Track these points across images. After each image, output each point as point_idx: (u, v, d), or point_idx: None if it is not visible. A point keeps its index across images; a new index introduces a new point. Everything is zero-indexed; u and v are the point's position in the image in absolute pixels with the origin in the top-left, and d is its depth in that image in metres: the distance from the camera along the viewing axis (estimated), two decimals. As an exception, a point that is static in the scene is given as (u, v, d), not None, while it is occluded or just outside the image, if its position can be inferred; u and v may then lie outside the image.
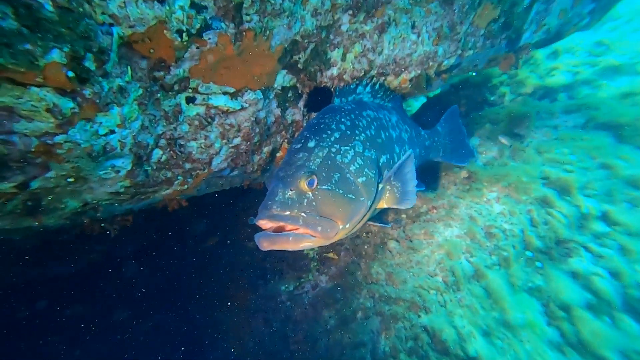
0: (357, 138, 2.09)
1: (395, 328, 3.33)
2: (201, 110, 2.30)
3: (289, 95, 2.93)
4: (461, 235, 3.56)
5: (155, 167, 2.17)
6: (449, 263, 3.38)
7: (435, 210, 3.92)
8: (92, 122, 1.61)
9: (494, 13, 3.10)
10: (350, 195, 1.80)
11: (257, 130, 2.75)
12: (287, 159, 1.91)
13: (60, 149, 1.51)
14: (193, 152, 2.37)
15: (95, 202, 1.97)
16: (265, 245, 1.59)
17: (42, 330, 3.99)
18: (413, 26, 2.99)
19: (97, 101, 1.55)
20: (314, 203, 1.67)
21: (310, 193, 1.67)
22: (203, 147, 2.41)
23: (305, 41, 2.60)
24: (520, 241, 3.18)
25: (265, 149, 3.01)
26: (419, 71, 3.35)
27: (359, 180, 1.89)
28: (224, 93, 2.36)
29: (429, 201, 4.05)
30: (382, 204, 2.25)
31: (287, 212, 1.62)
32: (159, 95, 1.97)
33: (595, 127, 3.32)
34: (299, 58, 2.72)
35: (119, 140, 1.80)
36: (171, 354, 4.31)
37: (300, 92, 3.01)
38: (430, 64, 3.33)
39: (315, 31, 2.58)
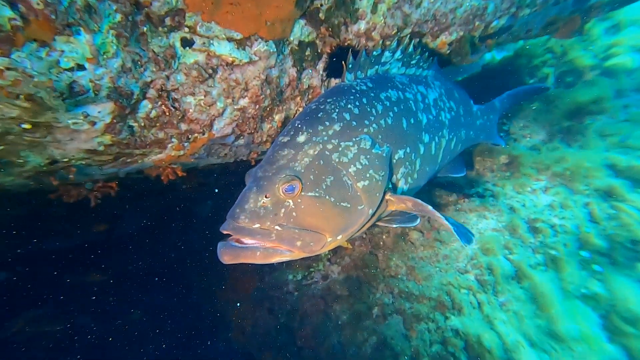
0: (365, 130, 1.64)
1: (418, 329, 2.92)
2: (201, 57, 1.88)
3: (306, 53, 2.47)
4: (499, 228, 3.06)
5: (143, 124, 1.79)
6: (483, 259, 2.91)
7: (466, 200, 3.43)
8: (48, 48, 1.22)
9: (563, -42, 2.52)
10: (344, 204, 1.44)
11: (268, 91, 2.32)
12: (269, 154, 1.54)
13: (2, 79, 1.13)
14: (190, 110, 1.97)
15: (66, 160, 1.60)
16: (226, 259, 1.33)
17: (28, 304, 3.78)
18: (461, -28, 2.46)
19: (53, 17, 1.15)
20: (294, 213, 1.37)
21: (290, 201, 1.38)
22: (202, 105, 2.01)
23: (330, -19, 2.13)
24: (573, 239, 2.66)
25: (277, 117, 2.58)
26: (462, 32, 2.81)
27: (360, 184, 1.50)
28: (229, 39, 1.93)
29: (459, 189, 3.56)
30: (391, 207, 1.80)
31: (257, 225, 1.34)
32: (145, 28, 1.56)
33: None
34: (321, 4, 2.25)
35: (92, 81, 1.41)
36: (170, 340, 4.06)
37: (320, 51, 2.55)
38: (477, 23, 2.78)
39: (342, -32, 2.10)
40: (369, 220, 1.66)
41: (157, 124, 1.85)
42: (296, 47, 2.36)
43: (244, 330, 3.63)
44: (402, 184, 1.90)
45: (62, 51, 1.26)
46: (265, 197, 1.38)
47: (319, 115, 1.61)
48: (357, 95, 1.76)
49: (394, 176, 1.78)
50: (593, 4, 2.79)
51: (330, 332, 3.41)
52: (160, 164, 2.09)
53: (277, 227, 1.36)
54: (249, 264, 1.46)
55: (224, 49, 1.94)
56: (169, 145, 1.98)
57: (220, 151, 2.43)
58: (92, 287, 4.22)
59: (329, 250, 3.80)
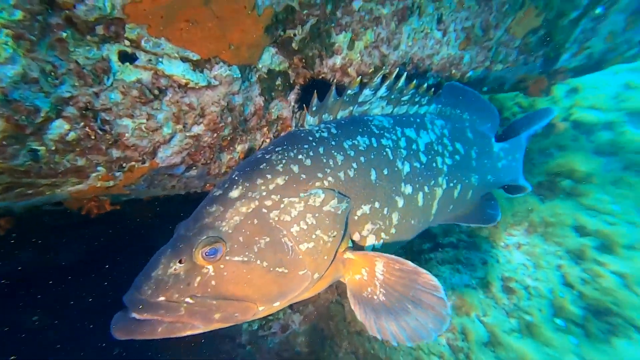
0: (317, 184, 1.38)
1: (382, 402, 2.50)
2: (145, 76, 1.56)
3: (276, 83, 2.23)
4: (472, 285, 2.81)
5: (54, 148, 1.40)
6: (456, 321, 2.61)
7: (438, 249, 3.20)
8: None
9: (536, 21, 2.53)
10: (279, 269, 1.20)
11: (230, 119, 2.01)
12: (198, 209, 1.30)
13: None
14: (127, 135, 1.61)
15: None
16: (118, 335, 1.06)
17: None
18: (439, 20, 2.38)
19: None
20: (212, 282, 1.14)
21: (210, 267, 1.16)
22: (144, 129, 1.65)
23: (305, 12, 1.93)
24: (548, 304, 2.44)
25: (239, 147, 2.26)
26: (439, 79, 2.74)
27: (302, 247, 1.26)
28: (184, 59, 1.64)
29: (433, 237, 3.33)
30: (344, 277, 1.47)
31: (162, 298, 1.09)
32: (64, 34, 1.23)
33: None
34: (294, 34, 2.04)
35: (-30, 89, 1.04)
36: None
37: (292, 81, 2.32)
38: (453, 71, 2.70)
39: (319, 1, 1.93)
40: (319, 282, 1.37)
41: (77, 149, 1.47)
42: (265, 75, 2.11)
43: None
44: (371, 241, 1.60)
45: None
46: (179, 262, 1.13)
47: (261, 166, 1.36)
48: (314, 143, 1.49)
49: (357, 234, 1.50)
50: (557, 69, 2.84)
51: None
52: (81, 195, 1.67)
53: (187, 300, 1.09)
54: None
55: (177, 70, 1.64)
56: (93, 174, 1.59)
57: (167, 183, 2.05)
58: (23, 330, 3.46)
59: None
